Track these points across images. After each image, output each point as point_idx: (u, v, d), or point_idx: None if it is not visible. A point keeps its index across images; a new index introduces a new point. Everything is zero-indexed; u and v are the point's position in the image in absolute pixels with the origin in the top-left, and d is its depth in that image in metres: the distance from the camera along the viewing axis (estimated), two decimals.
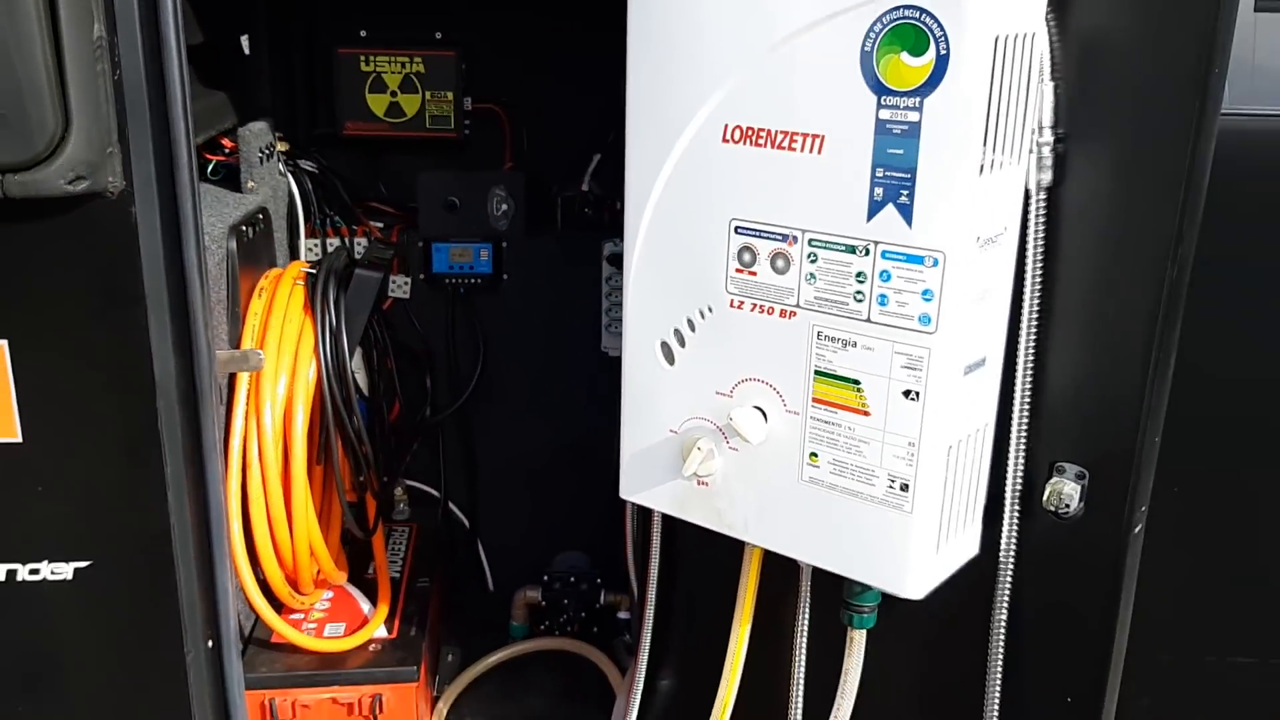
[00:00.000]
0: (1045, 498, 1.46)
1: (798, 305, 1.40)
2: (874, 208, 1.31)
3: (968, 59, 1.21)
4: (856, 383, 1.37)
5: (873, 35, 1.26)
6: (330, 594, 2.39)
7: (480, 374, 2.89)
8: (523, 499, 3.05)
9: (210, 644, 1.96)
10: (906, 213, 1.29)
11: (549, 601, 2.83)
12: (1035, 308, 1.40)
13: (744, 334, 1.45)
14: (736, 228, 1.43)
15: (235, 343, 2.12)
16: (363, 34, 2.84)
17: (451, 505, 3.00)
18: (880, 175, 1.30)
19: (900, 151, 1.27)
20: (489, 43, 2.85)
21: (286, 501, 2.09)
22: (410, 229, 2.83)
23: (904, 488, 1.37)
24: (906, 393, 1.34)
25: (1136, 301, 1.37)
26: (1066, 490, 1.45)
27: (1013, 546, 1.47)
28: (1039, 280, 1.40)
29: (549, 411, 2.99)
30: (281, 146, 2.63)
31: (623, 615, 2.83)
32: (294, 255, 2.68)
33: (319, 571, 2.24)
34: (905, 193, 1.28)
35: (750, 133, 1.38)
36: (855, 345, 1.36)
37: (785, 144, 1.36)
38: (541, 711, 2.60)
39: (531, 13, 2.83)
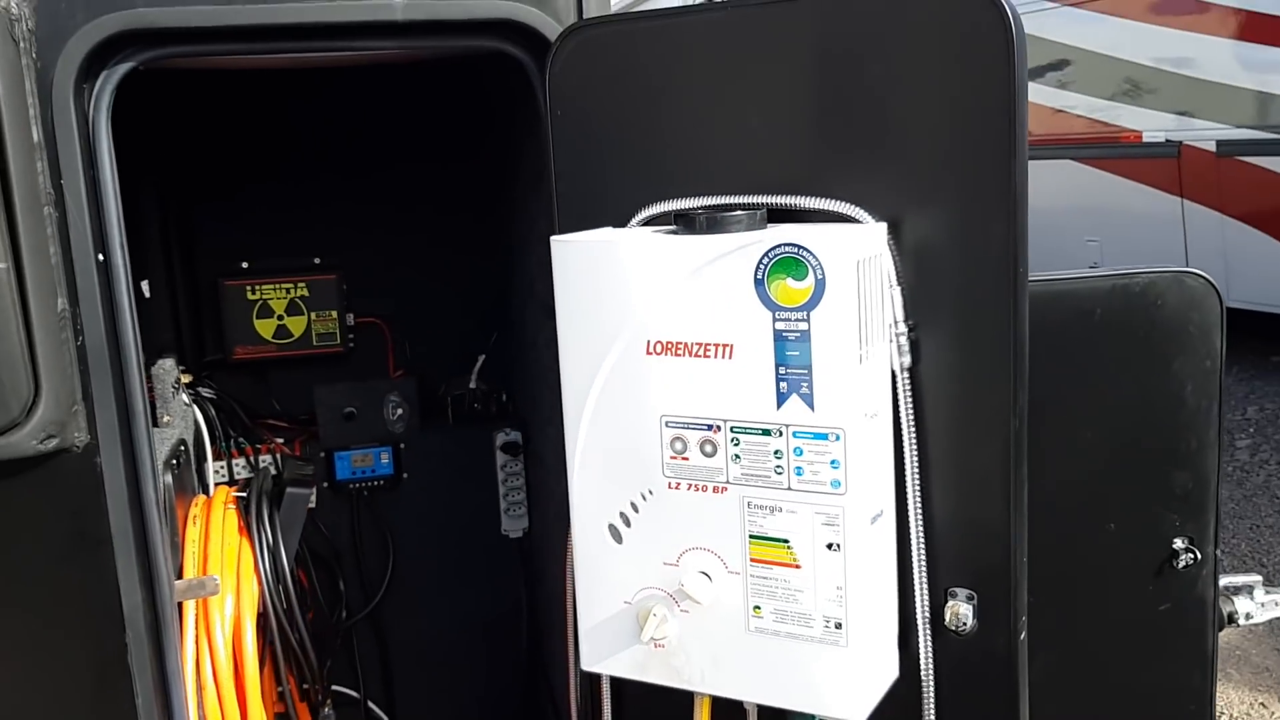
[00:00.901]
0: (947, 619, 1.75)
1: (728, 482, 1.67)
2: (781, 398, 1.60)
3: (840, 280, 1.55)
4: (786, 541, 1.64)
5: (763, 266, 1.58)
6: None
7: (390, 571, 3.02)
8: (439, 687, 3.16)
9: None
10: (809, 400, 1.59)
11: None
12: (915, 464, 1.72)
13: (683, 510, 1.71)
14: (667, 422, 1.70)
15: (178, 571, 2.23)
16: (244, 265, 3.05)
17: (371, 704, 3.08)
18: (783, 373, 1.60)
19: (796, 353, 1.58)
20: (366, 262, 3.11)
21: (243, 715, 2.18)
22: (310, 440, 2.99)
23: (838, 625, 1.63)
24: (829, 545, 1.61)
25: (990, 450, 1.70)
26: (962, 610, 1.74)
27: (931, 664, 1.74)
28: (914, 442, 1.71)
29: (457, 598, 3.14)
30: (185, 379, 2.77)
31: None
32: (201, 479, 2.79)
33: None
34: (805, 384, 1.58)
35: (670, 345, 1.67)
36: (781, 510, 1.64)
37: (701, 353, 1.65)
38: None
39: (405, 235, 3.11)
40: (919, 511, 1.73)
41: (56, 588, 1.87)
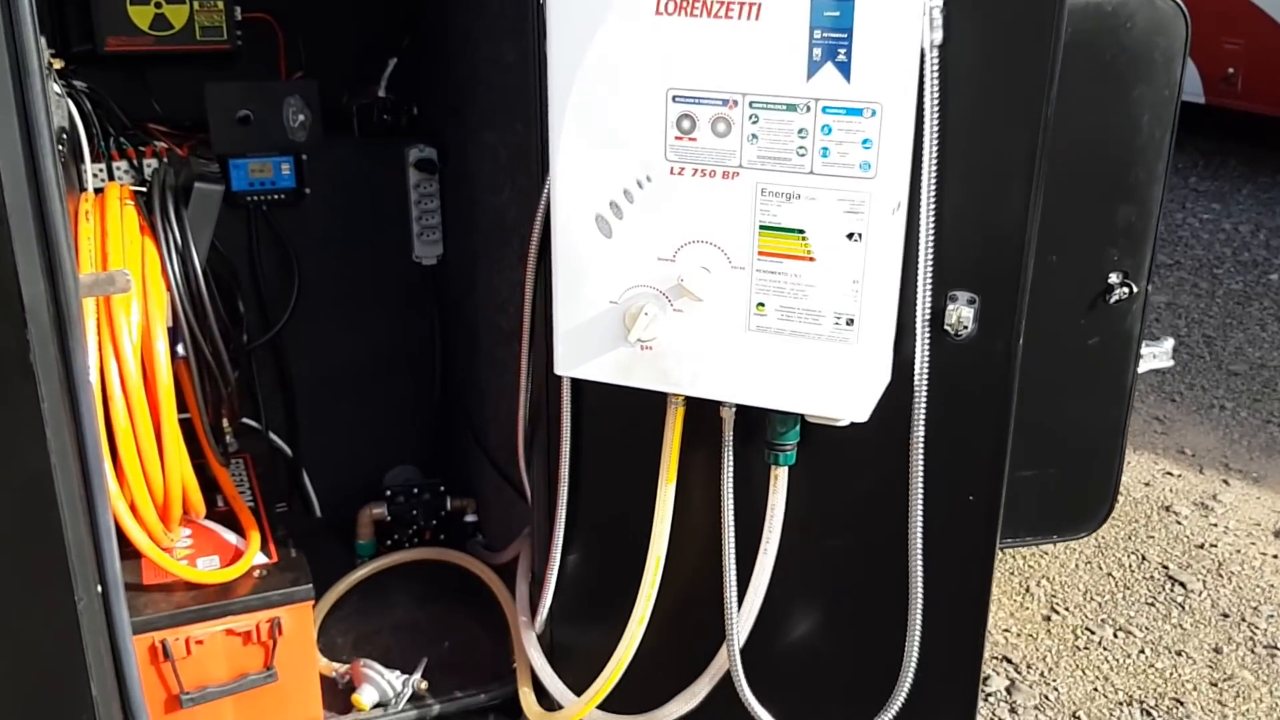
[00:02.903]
0: (948, 322, 1.67)
1: (740, 166, 1.51)
2: (813, 67, 1.43)
3: None
4: (801, 232, 1.51)
5: None
6: (188, 530, 2.28)
7: (295, 294, 2.78)
8: (343, 419, 3.00)
9: (100, 589, 1.85)
10: (845, 69, 1.42)
11: (395, 515, 2.82)
12: (934, 153, 1.58)
13: (685, 199, 1.54)
14: (674, 96, 1.51)
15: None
16: None
17: (272, 435, 2.90)
18: (818, 37, 1.42)
19: (836, 14, 1.40)
20: None
21: (156, 432, 1.98)
22: (200, 146, 2.67)
23: (849, 322, 1.53)
24: (850, 235, 1.49)
25: (1016, 142, 1.58)
26: (964, 314, 1.66)
27: (926, 367, 1.67)
28: (936, 128, 1.57)
29: (362, 327, 2.95)
30: (56, 64, 2.39)
31: (470, 519, 2.87)
32: (80, 181, 2.46)
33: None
34: (843, 51, 1.41)
35: (685, 4, 1.46)
36: (799, 197, 1.49)
37: (722, 13, 1.45)
38: (416, 618, 2.62)
39: None
40: (932, 206, 1.61)
41: None
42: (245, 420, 2.83)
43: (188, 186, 2.16)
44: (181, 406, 2.14)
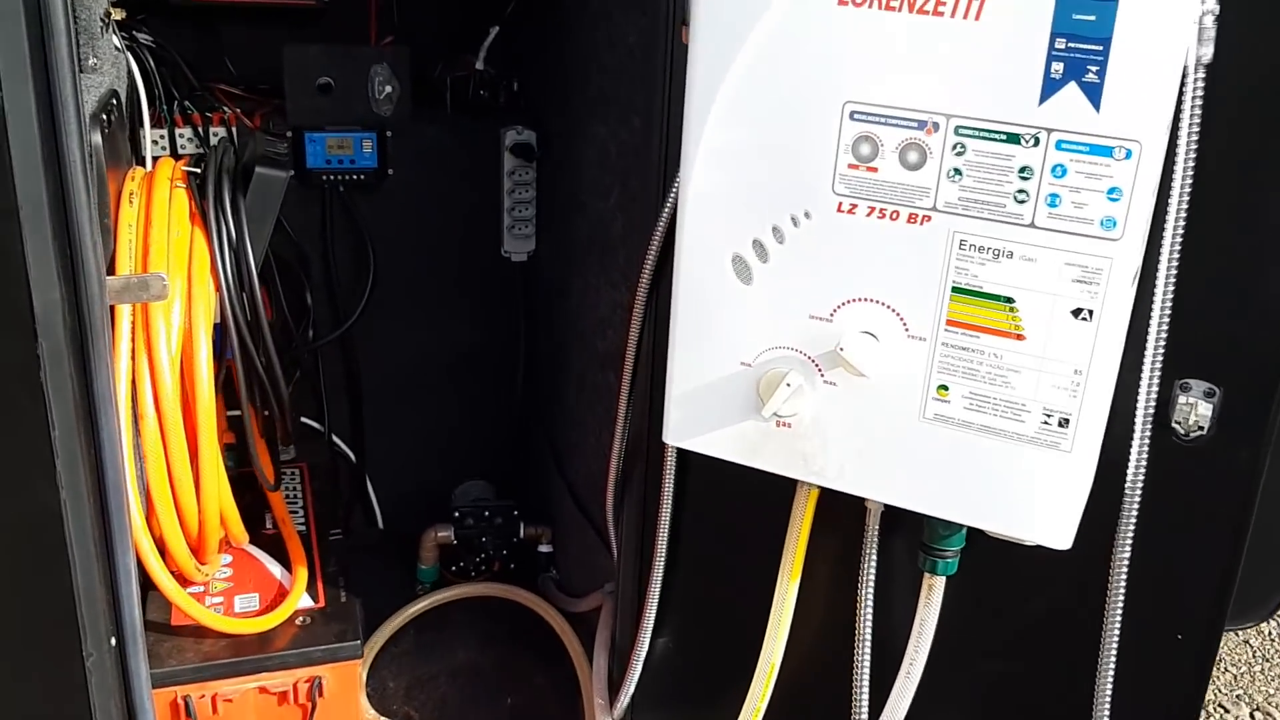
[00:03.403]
0: (1180, 419, 1.30)
1: (934, 208, 1.15)
2: (1050, 87, 1.07)
3: None
4: (1010, 301, 1.15)
5: None
6: (229, 559, 2.01)
7: (370, 286, 2.48)
8: (413, 426, 2.71)
9: (113, 641, 1.58)
10: (1094, 93, 1.05)
11: (462, 540, 2.53)
12: (1184, 203, 1.21)
13: (855, 244, 1.19)
14: (852, 113, 1.15)
15: (109, 262, 1.68)
16: None
17: (335, 439, 2.62)
18: (1061, 48, 1.05)
19: (1091, 18, 1.03)
20: None
21: (193, 456, 1.70)
22: (274, 115, 2.38)
23: (1063, 423, 1.17)
24: (1076, 311, 1.12)
25: None
26: (1201, 410, 1.29)
27: (1141, 474, 1.30)
28: (1190, 168, 1.19)
29: (441, 326, 2.65)
30: (116, 14, 2.11)
31: (544, 549, 2.57)
32: (136, 150, 2.19)
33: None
34: (1094, 69, 1.04)
35: None
36: (1011, 256, 1.13)
37: (930, 7, 1.09)
38: (478, 663, 2.33)
39: None
40: (1170, 271, 1.23)
41: None
42: (306, 421, 2.56)
43: (250, 167, 1.86)
44: (234, 403, 1.88)
